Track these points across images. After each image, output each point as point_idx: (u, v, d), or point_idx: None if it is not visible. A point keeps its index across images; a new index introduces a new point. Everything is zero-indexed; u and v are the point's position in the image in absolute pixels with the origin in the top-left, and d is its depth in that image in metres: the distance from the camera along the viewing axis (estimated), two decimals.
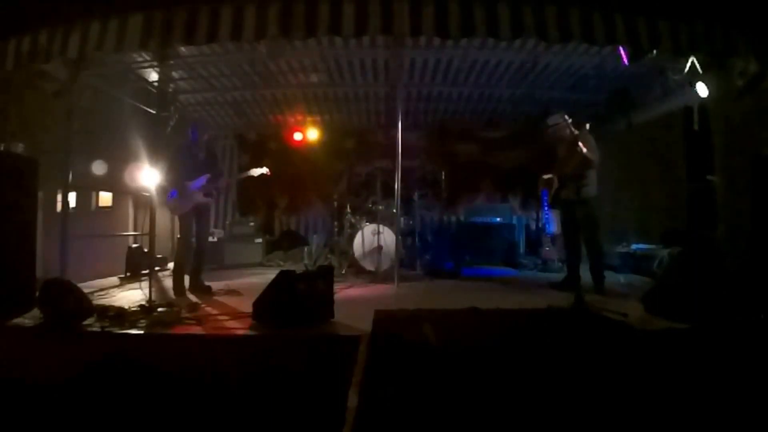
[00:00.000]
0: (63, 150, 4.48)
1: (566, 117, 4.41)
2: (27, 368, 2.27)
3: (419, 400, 1.86)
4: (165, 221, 6.74)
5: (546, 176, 4.59)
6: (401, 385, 2.03)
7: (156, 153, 4.64)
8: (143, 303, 3.51)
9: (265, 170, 4.78)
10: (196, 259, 4.42)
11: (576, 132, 4.26)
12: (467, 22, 3.28)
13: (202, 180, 4.33)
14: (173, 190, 4.27)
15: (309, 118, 7.39)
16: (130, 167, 5.19)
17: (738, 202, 4.03)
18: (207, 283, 4.42)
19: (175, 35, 3.36)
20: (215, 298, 4.14)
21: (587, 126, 4.41)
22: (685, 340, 2.76)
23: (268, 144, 7.89)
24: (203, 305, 3.77)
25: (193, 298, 4.06)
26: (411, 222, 6.44)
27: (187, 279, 4.29)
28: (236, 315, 3.39)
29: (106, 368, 2.25)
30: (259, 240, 6.97)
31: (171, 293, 4.17)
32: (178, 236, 4.52)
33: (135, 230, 6.06)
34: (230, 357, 2.53)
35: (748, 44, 3.54)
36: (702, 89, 4.30)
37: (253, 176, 4.76)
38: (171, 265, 6.14)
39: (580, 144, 4.21)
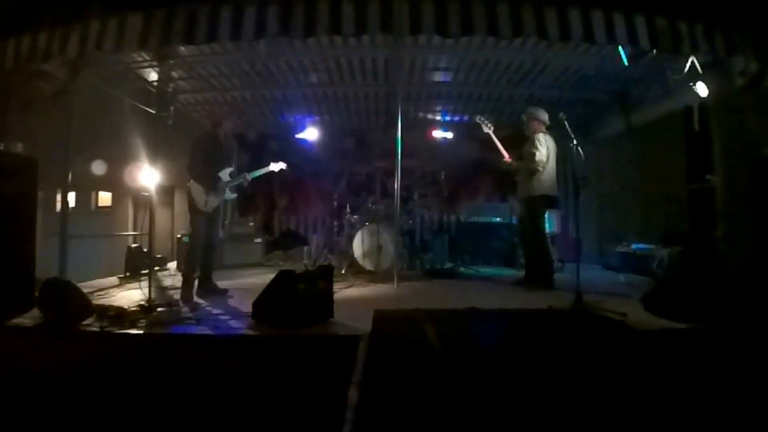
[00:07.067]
0: (63, 150, 4.48)
1: (531, 113, 4.70)
2: (26, 368, 2.26)
3: (419, 400, 1.86)
4: (165, 221, 6.74)
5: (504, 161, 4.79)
6: (401, 384, 2.03)
7: (155, 152, 4.63)
8: (143, 303, 3.50)
9: (283, 165, 4.68)
10: (206, 260, 4.25)
11: (532, 131, 4.60)
12: (467, 21, 3.28)
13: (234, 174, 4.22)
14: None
15: (308, 118, 7.39)
16: (129, 167, 5.18)
17: (738, 202, 4.03)
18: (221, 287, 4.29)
19: (174, 35, 3.36)
20: (215, 297, 4.11)
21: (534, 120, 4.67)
22: (684, 339, 2.76)
23: (268, 144, 7.89)
24: (203, 305, 3.77)
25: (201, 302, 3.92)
26: (411, 222, 6.44)
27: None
28: (236, 315, 3.39)
29: (105, 368, 2.25)
30: (259, 240, 6.98)
31: (170, 293, 4.16)
32: (189, 235, 4.24)
33: (134, 230, 6.06)
34: (230, 357, 2.53)
35: (749, 44, 3.54)
36: (702, 89, 4.30)
37: (273, 172, 4.66)
38: (171, 265, 6.14)
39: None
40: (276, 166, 4.67)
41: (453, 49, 5.06)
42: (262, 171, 4.62)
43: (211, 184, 4.12)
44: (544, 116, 4.68)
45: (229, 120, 4.53)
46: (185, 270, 4.15)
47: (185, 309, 3.58)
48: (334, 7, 3.27)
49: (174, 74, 5.65)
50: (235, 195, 4.37)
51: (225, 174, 4.26)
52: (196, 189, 4.07)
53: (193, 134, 4.62)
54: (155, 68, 5.33)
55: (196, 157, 4.14)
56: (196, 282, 4.19)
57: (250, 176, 4.48)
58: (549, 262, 4.57)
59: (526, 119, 4.76)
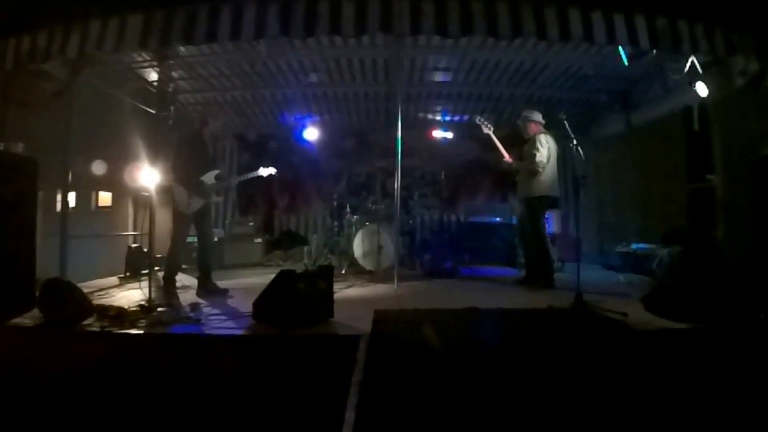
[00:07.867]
0: (63, 150, 4.48)
1: (526, 117, 4.70)
2: (27, 368, 2.26)
3: (419, 400, 1.86)
4: (165, 221, 6.73)
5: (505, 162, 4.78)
6: (401, 385, 2.03)
7: (156, 152, 4.63)
8: (143, 303, 3.50)
9: (272, 170, 4.73)
10: (203, 259, 4.31)
11: (531, 133, 4.62)
12: (467, 21, 3.28)
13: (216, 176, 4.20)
14: None
15: (309, 118, 7.39)
16: (130, 167, 5.19)
17: (738, 202, 4.04)
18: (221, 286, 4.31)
19: (174, 35, 3.36)
20: (215, 298, 4.11)
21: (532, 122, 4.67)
22: (684, 340, 2.76)
23: (268, 144, 7.89)
24: (203, 305, 3.77)
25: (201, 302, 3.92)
26: (411, 222, 6.43)
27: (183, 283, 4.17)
28: (236, 315, 3.39)
29: (105, 368, 2.25)
30: (259, 240, 6.97)
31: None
32: (171, 236, 4.27)
33: (135, 230, 6.06)
34: (230, 357, 2.53)
35: (749, 44, 3.53)
36: (702, 89, 4.30)
37: (261, 176, 4.70)
38: None
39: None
40: (265, 171, 4.71)
41: (453, 49, 5.06)
42: (251, 175, 4.66)
43: (194, 186, 4.14)
44: (539, 116, 4.70)
45: (217, 119, 4.56)
46: (166, 271, 4.15)
47: (171, 310, 3.48)
48: (334, 7, 3.27)
49: (174, 74, 5.65)
50: (221, 198, 4.34)
51: (210, 177, 4.26)
52: (179, 191, 4.10)
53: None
54: (155, 68, 5.33)
55: (179, 159, 4.17)
56: (197, 282, 4.25)
57: (236, 180, 4.51)
58: (549, 262, 4.58)
59: (522, 123, 4.75)
